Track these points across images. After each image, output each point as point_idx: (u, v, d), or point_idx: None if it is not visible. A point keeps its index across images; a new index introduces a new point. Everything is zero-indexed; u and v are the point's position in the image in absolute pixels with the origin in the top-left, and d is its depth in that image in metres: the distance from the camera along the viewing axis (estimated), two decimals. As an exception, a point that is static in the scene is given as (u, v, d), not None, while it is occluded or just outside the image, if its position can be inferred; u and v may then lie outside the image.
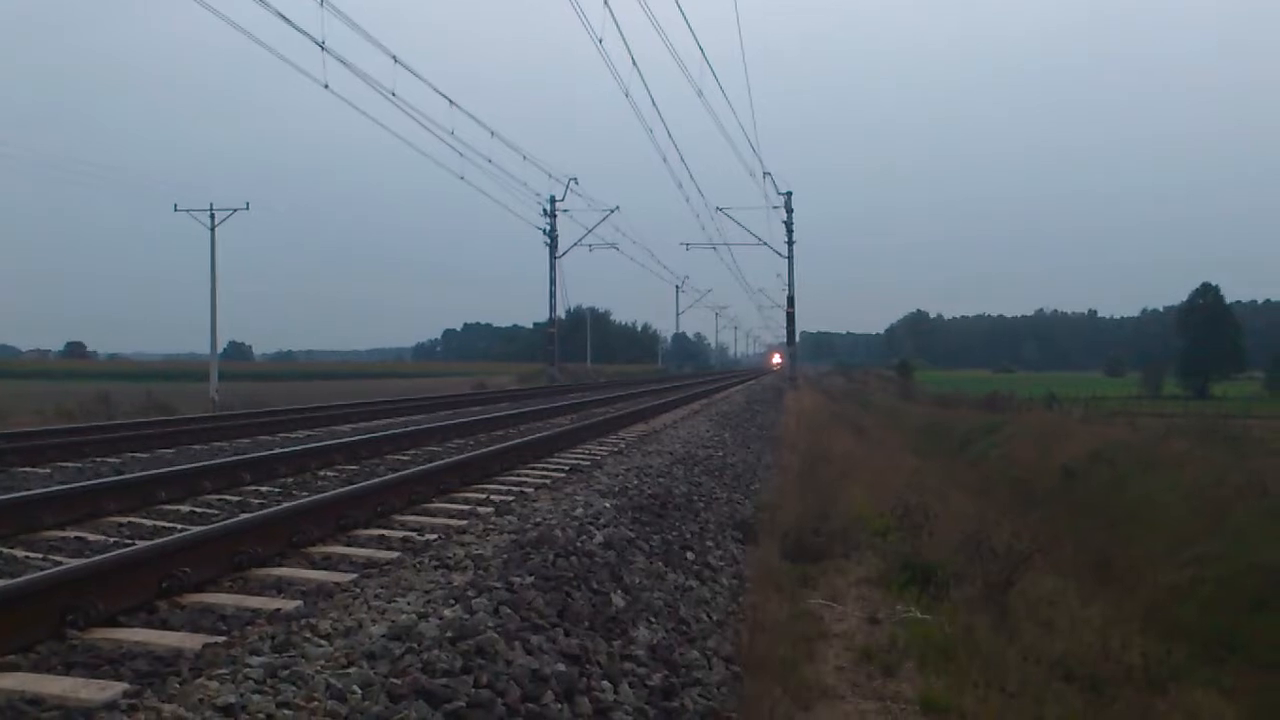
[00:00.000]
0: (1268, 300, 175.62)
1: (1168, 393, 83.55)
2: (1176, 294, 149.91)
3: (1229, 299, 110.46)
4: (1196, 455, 21.91)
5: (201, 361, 48.03)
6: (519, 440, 13.64)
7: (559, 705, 4.37)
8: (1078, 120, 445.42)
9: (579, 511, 8.02)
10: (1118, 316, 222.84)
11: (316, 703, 3.70)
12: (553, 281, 54.82)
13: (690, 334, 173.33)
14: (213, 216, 39.71)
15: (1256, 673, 10.43)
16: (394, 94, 22.82)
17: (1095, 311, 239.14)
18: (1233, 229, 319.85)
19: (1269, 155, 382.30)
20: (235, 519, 6.93)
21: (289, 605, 5.22)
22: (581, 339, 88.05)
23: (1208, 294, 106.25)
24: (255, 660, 4.09)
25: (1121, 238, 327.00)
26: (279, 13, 17.74)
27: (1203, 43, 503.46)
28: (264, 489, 9.62)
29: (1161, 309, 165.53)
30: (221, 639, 4.56)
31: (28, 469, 10.90)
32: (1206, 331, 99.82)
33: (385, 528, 7.69)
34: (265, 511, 7.16)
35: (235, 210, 39.88)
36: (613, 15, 38.70)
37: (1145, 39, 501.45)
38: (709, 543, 9.20)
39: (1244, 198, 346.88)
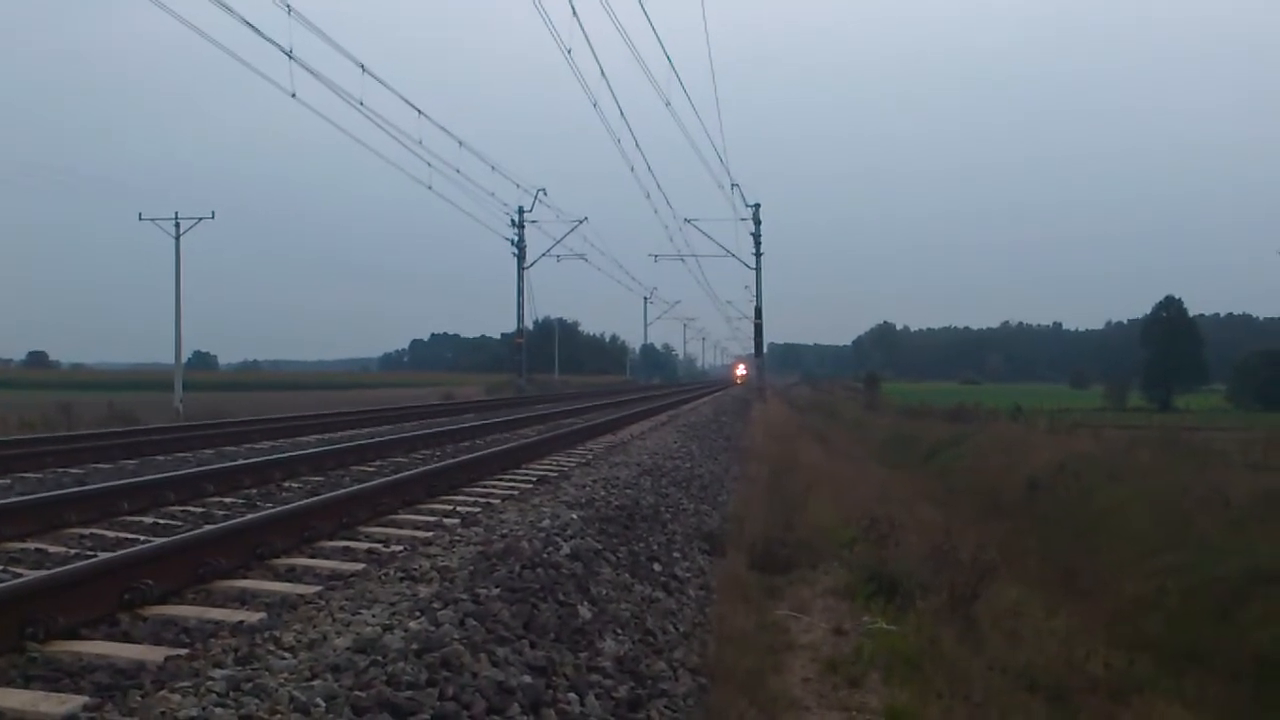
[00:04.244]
0: (1230, 313, 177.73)
1: (1132, 405, 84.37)
2: (1141, 307, 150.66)
3: (1192, 312, 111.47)
4: (1160, 467, 22.14)
5: (166, 371, 47.58)
6: (486, 451, 13.60)
7: (525, 717, 4.36)
8: (1044, 133, 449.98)
9: (546, 523, 8.01)
10: (1083, 329, 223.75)
11: (280, 716, 3.67)
12: (520, 292, 54.85)
13: (659, 345, 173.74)
14: (178, 225, 39.36)
15: (1219, 683, 10.55)
16: (362, 103, 22.83)
17: (1060, 324, 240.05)
18: (1196, 243, 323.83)
19: (1233, 170, 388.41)
20: (198, 530, 6.87)
21: (253, 617, 5.17)
22: (549, 350, 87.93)
23: (1171, 307, 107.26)
24: (218, 673, 4.05)
25: (1087, 250, 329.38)
26: (246, 20, 17.69)
27: (1170, 60, 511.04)
28: (228, 500, 9.53)
29: (1126, 322, 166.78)
30: (184, 651, 4.52)
31: (-13, 480, 10.73)
32: (1170, 344, 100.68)
33: (351, 539, 7.64)
34: (229, 523, 7.11)
35: (200, 219, 39.56)
36: (581, 26, 38.73)
37: (1111, 55, 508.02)
38: (676, 554, 9.20)
39: (1208, 212, 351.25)
